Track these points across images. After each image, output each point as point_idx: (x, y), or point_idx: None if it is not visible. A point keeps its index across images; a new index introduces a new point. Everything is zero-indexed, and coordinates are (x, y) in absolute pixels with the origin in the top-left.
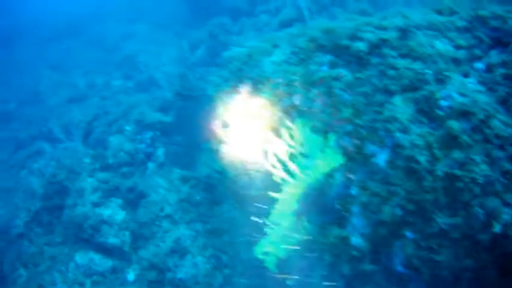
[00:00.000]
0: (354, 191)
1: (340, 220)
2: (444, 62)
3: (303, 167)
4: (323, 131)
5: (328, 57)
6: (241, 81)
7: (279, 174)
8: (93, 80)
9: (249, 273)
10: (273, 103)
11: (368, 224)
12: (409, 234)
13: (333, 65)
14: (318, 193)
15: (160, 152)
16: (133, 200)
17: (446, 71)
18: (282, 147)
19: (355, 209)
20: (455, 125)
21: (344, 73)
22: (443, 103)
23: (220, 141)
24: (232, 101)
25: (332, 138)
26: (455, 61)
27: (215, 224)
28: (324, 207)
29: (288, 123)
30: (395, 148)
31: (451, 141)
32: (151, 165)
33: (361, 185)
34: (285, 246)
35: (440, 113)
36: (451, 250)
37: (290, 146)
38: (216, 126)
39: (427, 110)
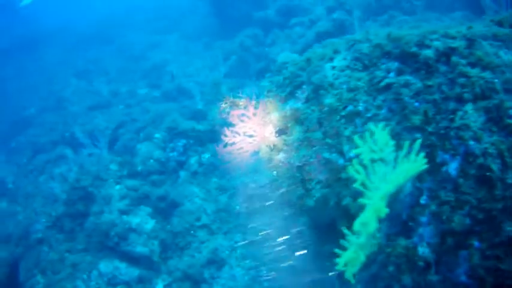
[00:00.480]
0: (423, 200)
1: (408, 230)
2: (510, 72)
3: (384, 174)
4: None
5: (395, 64)
6: (298, 87)
7: (361, 180)
8: (118, 88)
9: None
10: (336, 109)
11: (436, 233)
12: (476, 243)
13: (400, 72)
14: (391, 201)
15: (193, 160)
16: (165, 208)
17: None
18: (364, 152)
19: (423, 218)
20: None
21: (412, 80)
22: None
23: (274, 149)
24: (289, 107)
25: (417, 143)
26: None
27: (255, 234)
28: (393, 216)
29: (371, 127)
30: (468, 157)
31: None
32: (183, 173)
33: (431, 194)
34: (363, 257)
35: (511, 121)
36: None
37: (372, 151)
38: (268, 133)
39: (497, 119)
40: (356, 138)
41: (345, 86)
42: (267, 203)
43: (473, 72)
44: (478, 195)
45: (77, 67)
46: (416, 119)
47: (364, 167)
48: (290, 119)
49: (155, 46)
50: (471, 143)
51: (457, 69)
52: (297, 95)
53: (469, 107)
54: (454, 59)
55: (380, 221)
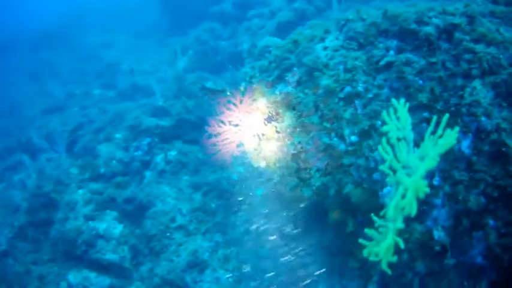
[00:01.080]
0: (435, 181)
1: (421, 214)
2: None
3: (408, 152)
4: None
5: (394, 42)
6: (288, 70)
7: (389, 160)
8: (73, 89)
9: (279, 284)
10: (333, 91)
11: (451, 215)
12: (492, 222)
13: (400, 50)
14: None
15: (159, 158)
16: (132, 211)
17: None
18: (392, 130)
19: (437, 200)
20: None
21: (414, 58)
22: None
23: (264, 138)
24: (278, 92)
25: (445, 118)
26: None
27: (235, 233)
28: None
29: (394, 102)
30: (480, 133)
31: None
32: (150, 173)
33: (443, 175)
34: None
35: None
36: None
37: (397, 129)
38: (256, 121)
39: (506, 94)
40: (384, 114)
41: (341, 67)
42: (251, 198)
43: (479, 48)
44: (492, 172)
45: (31, 70)
46: (424, 97)
47: (392, 146)
48: (280, 104)
49: (108, 46)
50: (483, 119)
51: (462, 46)
52: (286, 78)
53: (477, 83)
54: (458, 35)
55: None
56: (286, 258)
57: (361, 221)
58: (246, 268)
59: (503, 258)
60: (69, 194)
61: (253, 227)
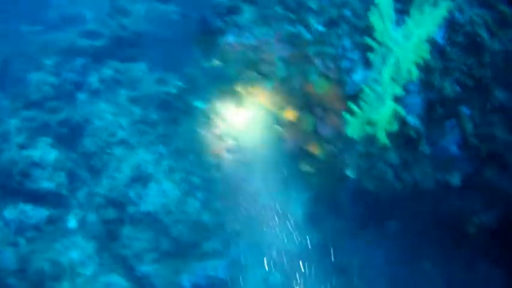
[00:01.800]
0: None
1: (395, 100)
2: None
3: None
4: None
5: None
6: None
7: (380, 29)
8: None
9: (225, 194)
10: None
11: (425, 102)
12: (466, 110)
13: None
14: None
15: (94, 78)
16: (68, 134)
17: None
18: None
19: (412, 87)
20: (506, 8)
21: None
22: None
23: (218, 31)
24: None
25: None
26: None
27: (179, 143)
28: None
29: None
30: (454, 25)
31: (504, 21)
32: (85, 93)
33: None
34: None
35: None
36: (506, 124)
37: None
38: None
39: None
40: None
41: None
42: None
43: None
44: (467, 62)
45: None
46: None
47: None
48: None
49: None
50: (456, 13)
51: None
52: None
53: None
54: None
55: None
56: (232, 168)
57: (322, 116)
58: (193, 179)
59: (481, 148)
60: (2, 126)
61: (199, 135)
